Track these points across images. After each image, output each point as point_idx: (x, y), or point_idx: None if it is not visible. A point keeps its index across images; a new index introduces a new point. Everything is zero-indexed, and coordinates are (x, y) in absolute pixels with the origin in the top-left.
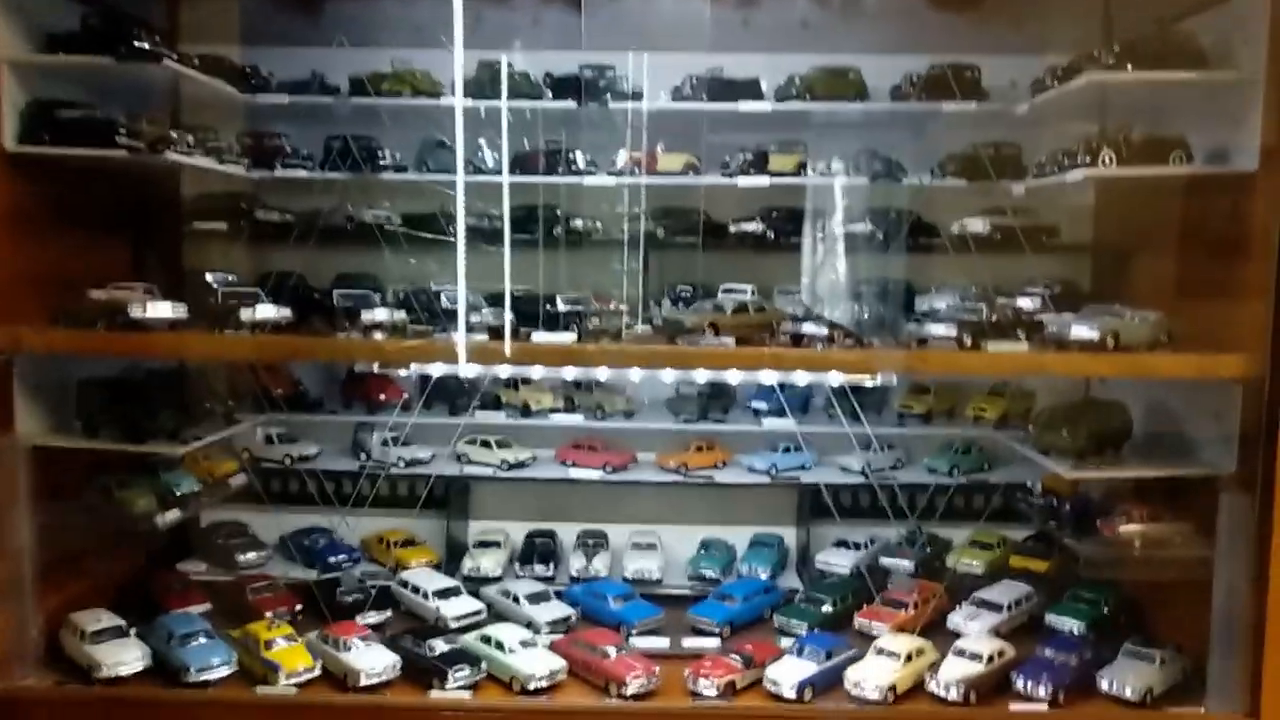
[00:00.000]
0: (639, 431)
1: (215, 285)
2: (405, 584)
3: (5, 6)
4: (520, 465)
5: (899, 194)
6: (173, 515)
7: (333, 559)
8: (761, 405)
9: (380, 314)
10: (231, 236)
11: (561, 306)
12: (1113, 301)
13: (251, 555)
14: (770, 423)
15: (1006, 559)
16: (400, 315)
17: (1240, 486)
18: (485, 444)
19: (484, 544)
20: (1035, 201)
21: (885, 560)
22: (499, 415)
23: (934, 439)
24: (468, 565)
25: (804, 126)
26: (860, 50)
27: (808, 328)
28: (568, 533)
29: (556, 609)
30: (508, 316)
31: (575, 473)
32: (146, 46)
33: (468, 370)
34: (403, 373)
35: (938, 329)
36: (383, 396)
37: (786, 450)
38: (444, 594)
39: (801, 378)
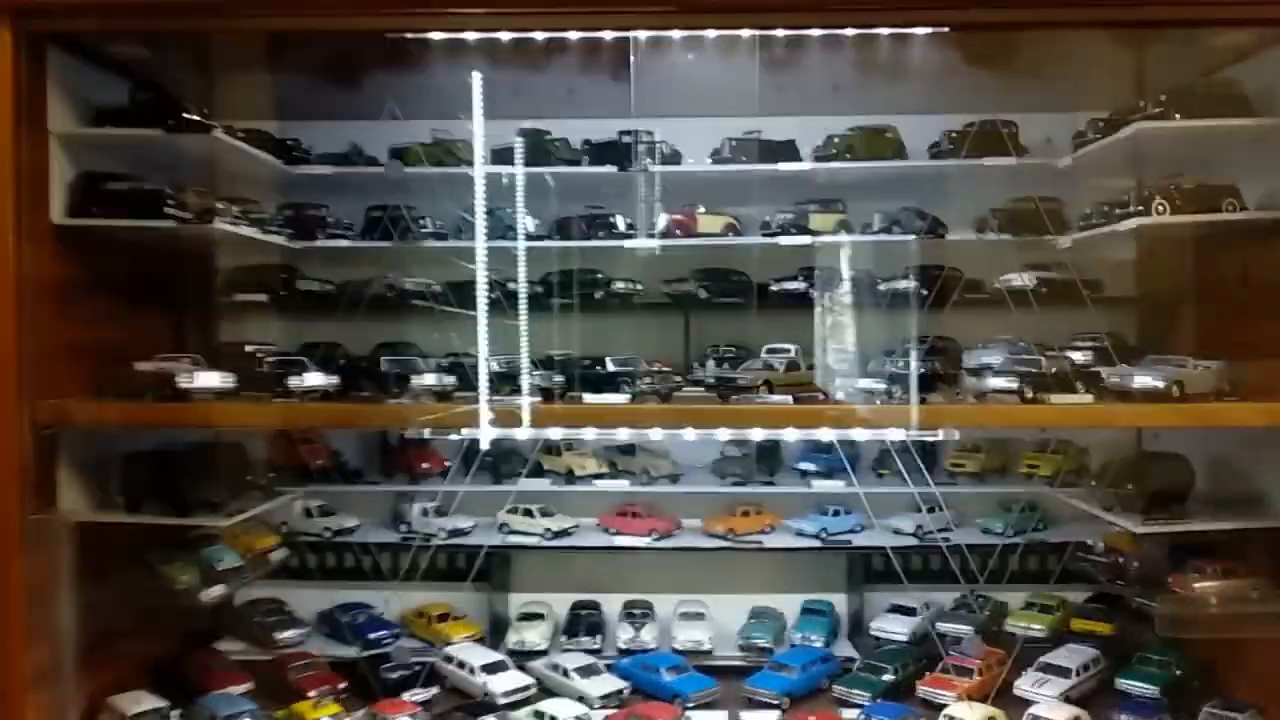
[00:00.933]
0: (684, 496)
1: (260, 355)
2: (450, 659)
3: (55, 82)
4: (564, 534)
5: (941, 250)
6: (217, 590)
7: (373, 635)
8: (809, 466)
9: (429, 379)
10: (269, 308)
11: (611, 368)
12: (1161, 354)
13: (290, 633)
14: (819, 484)
15: (1068, 621)
16: (449, 380)
17: None
18: (528, 512)
19: (528, 616)
20: (1077, 256)
21: (943, 625)
22: (542, 482)
23: (986, 498)
24: (512, 639)
25: (842, 187)
26: (893, 111)
27: (864, 384)
28: (612, 603)
29: (608, 682)
30: (525, 381)
31: (620, 540)
32: (196, 119)
33: (522, 434)
34: (454, 437)
35: (998, 382)
36: (425, 466)
37: (836, 513)
38: (491, 669)
39: (859, 435)
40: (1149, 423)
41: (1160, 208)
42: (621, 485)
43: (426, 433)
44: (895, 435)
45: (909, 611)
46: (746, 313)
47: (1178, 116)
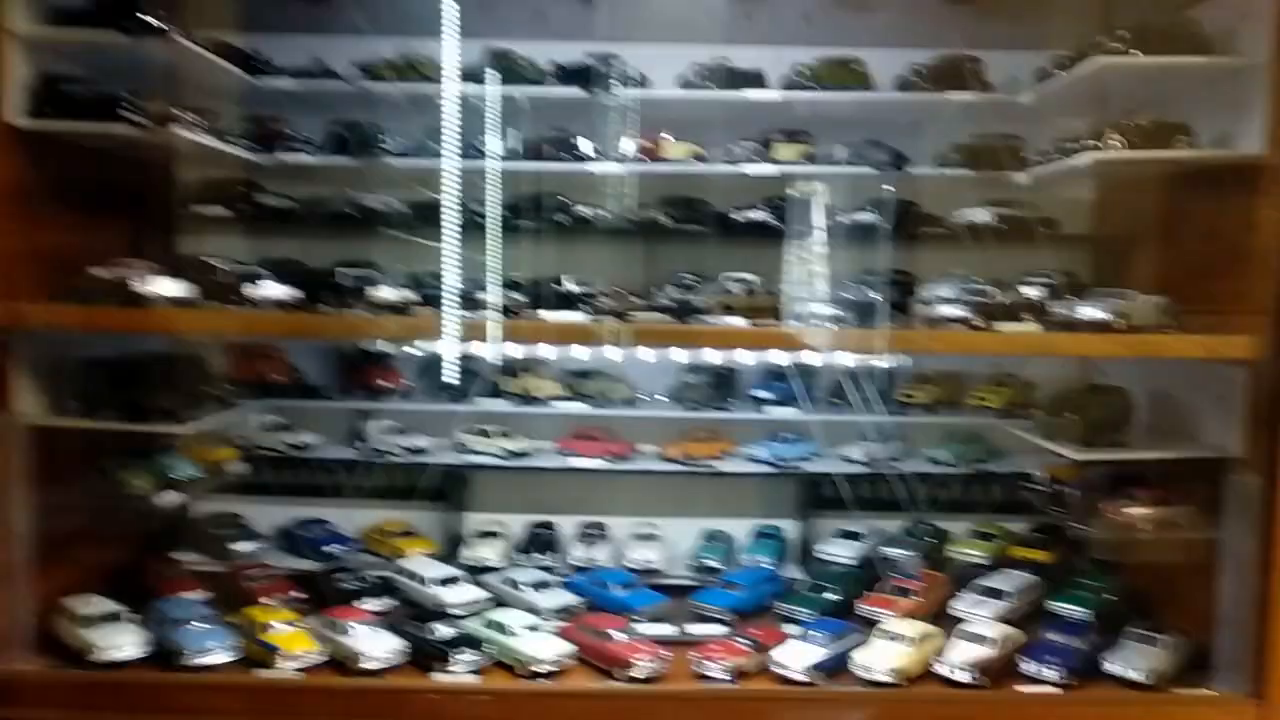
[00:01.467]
0: (641, 420)
1: (218, 264)
2: (405, 572)
3: None
4: (521, 455)
5: (902, 184)
6: (172, 497)
7: (330, 549)
8: (765, 394)
9: (387, 292)
10: (230, 221)
11: (570, 288)
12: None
13: (247, 546)
14: (773, 412)
15: (1007, 550)
16: (408, 294)
17: (1247, 468)
18: (485, 433)
19: (484, 534)
20: (1036, 194)
21: (888, 551)
22: (500, 403)
23: (935, 429)
24: (467, 555)
25: (808, 119)
26: (862, 44)
27: (819, 309)
28: (567, 524)
29: (560, 596)
30: (494, 293)
31: (576, 462)
32: (155, 23)
33: (483, 349)
34: (412, 351)
35: (948, 310)
36: (382, 383)
37: (789, 440)
38: (445, 582)
39: (812, 359)
40: (1090, 352)
41: (1114, 142)
42: (579, 408)
43: (383, 345)
44: (844, 360)
45: (855, 537)
46: (709, 241)
47: (1138, 53)
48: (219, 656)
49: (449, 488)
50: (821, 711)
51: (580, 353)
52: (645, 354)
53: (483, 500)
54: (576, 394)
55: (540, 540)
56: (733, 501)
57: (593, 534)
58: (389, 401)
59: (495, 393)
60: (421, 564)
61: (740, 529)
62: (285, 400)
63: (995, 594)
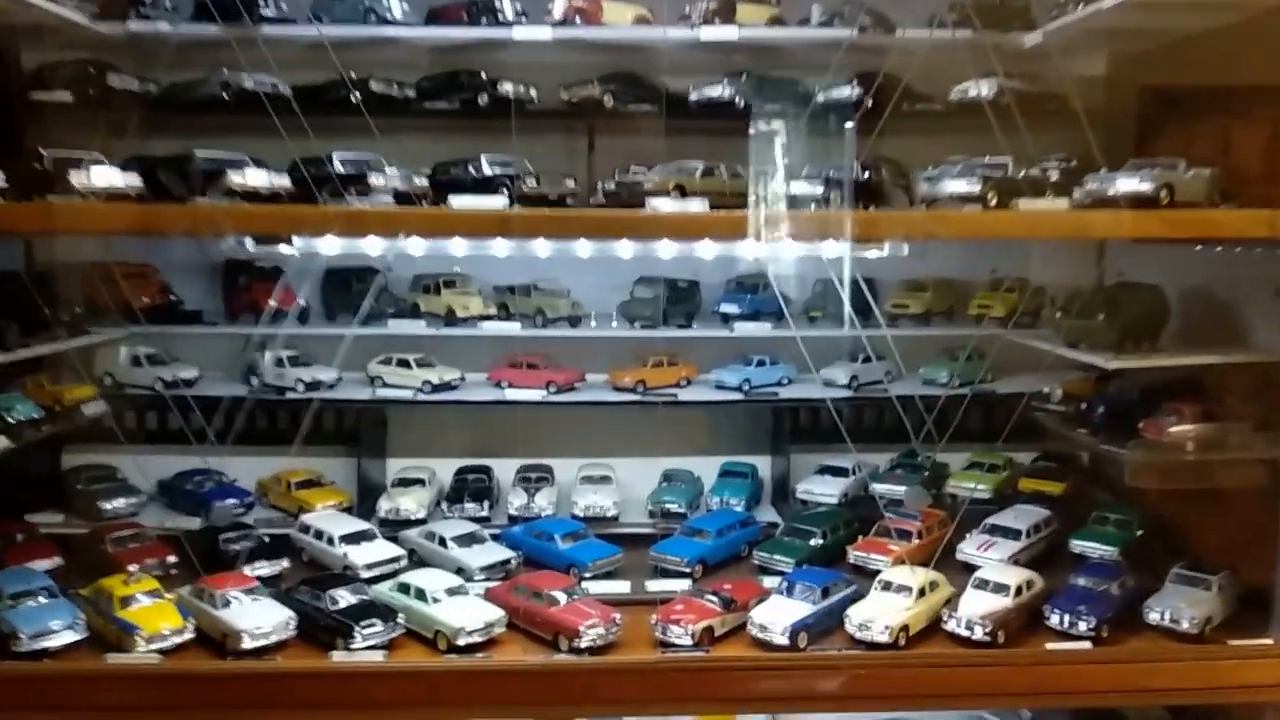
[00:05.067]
0: (587, 343)
1: (42, 151)
2: (307, 529)
3: None
4: (446, 387)
5: (888, 53)
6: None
7: (221, 505)
8: (732, 309)
9: (255, 177)
10: (80, 109)
11: (487, 170)
12: None
13: (120, 502)
14: (743, 328)
15: (1015, 482)
16: (282, 181)
17: None
18: (403, 363)
19: (404, 482)
20: (1042, 67)
21: (877, 487)
22: (418, 324)
23: (930, 345)
24: (385, 507)
25: None
26: None
27: (798, 187)
28: (505, 469)
29: (492, 552)
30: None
31: (512, 394)
32: None
33: (375, 244)
34: (284, 250)
35: (956, 185)
36: (273, 303)
37: (760, 363)
38: (353, 538)
39: (790, 250)
40: (1131, 233)
41: None
42: (513, 329)
43: (250, 245)
44: (827, 258)
45: (840, 472)
46: (660, 125)
47: None
48: (63, 638)
49: (363, 429)
50: (809, 681)
51: (503, 251)
52: (588, 261)
53: (405, 442)
54: (509, 313)
55: (471, 488)
56: (697, 436)
57: (534, 478)
58: (284, 326)
59: (414, 312)
60: (327, 519)
61: (706, 467)
62: (157, 326)
63: (1008, 533)
